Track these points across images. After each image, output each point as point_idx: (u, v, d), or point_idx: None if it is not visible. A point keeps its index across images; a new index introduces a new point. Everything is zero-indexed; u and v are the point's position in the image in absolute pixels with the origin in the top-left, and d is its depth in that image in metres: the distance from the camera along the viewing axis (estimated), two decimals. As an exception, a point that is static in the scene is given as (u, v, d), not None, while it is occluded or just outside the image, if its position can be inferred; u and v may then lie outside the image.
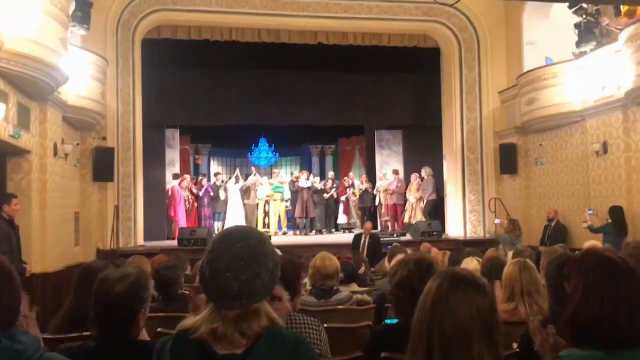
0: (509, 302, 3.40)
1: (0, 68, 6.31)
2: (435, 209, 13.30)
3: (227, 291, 1.51)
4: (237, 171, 15.41)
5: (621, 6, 8.88)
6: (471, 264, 5.07)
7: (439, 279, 1.62)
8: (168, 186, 13.59)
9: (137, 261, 4.74)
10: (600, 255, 1.79)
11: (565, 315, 1.72)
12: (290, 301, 2.61)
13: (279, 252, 5.07)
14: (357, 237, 10.57)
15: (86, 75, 9.41)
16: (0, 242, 6.02)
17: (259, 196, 14.55)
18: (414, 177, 14.23)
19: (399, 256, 5.27)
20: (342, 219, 15.80)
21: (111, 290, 2.39)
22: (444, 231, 12.72)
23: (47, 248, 7.98)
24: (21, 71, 6.54)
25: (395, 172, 14.74)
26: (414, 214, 13.93)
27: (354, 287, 4.98)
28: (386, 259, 6.28)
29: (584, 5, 9.39)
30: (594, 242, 6.47)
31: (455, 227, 12.79)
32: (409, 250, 6.35)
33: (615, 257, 1.76)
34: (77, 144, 9.93)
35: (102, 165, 10.48)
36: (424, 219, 13.23)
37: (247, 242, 1.58)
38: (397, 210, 14.48)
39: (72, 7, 7.81)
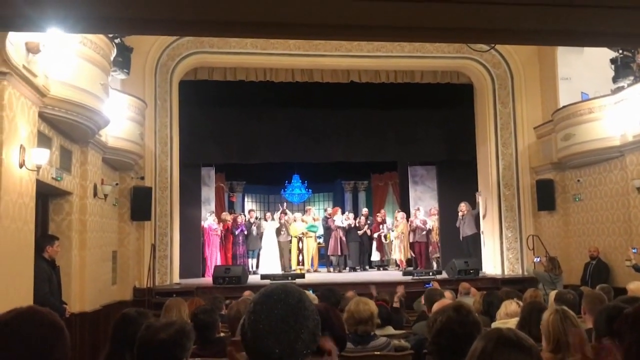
0: (556, 354, 3.30)
1: (46, 114, 6.55)
2: (475, 246, 13.04)
3: (268, 353, 1.52)
4: (280, 211, 15.43)
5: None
6: (511, 307, 4.95)
7: (484, 341, 1.59)
8: (203, 223, 13.75)
9: (174, 304, 4.75)
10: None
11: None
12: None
13: (316, 300, 5.05)
14: None
15: (125, 117, 9.69)
16: (41, 283, 6.15)
17: (292, 233, 14.58)
18: (400, 215, 14.83)
19: (436, 299, 5.20)
20: (375, 256, 15.65)
21: (155, 337, 2.43)
22: (481, 269, 12.49)
23: (86, 288, 8.12)
24: (65, 116, 6.78)
25: (417, 209, 14.83)
26: (396, 251, 14.54)
27: (390, 330, 4.92)
28: (422, 298, 6.19)
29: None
30: (638, 283, 6.27)
31: (492, 264, 12.55)
32: (446, 293, 6.27)
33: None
34: (116, 184, 10.16)
35: (140, 205, 10.67)
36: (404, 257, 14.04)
37: (288, 302, 1.59)
38: (421, 247, 14.42)
39: (114, 53, 8.10)
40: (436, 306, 4.02)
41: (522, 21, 3.00)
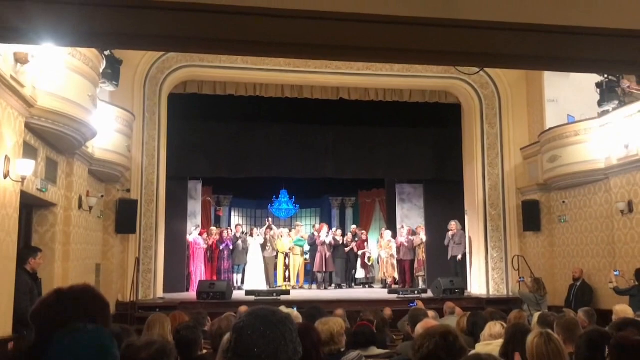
0: (536, 376, 3.30)
1: (32, 125, 6.51)
2: (462, 265, 13.02)
3: None
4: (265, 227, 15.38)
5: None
6: (495, 328, 4.94)
7: None
8: (188, 237, 13.66)
9: (157, 320, 4.69)
10: (634, 342, 1.75)
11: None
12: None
13: (299, 319, 5.01)
14: None
15: (113, 129, 9.65)
16: (22, 296, 6.05)
17: (279, 249, 14.54)
18: (386, 233, 15.03)
19: (421, 320, 5.19)
20: (360, 273, 15.64)
21: (136, 357, 2.40)
22: (467, 288, 12.49)
23: (68, 301, 7.99)
24: (52, 127, 6.74)
25: (401, 227, 14.91)
26: (386, 270, 14.67)
27: (374, 350, 4.88)
28: (407, 319, 6.17)
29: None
30: (624, 306, 6.32)
31: (477, 284, 12.57)
32: (430, 313, 6.26)
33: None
34: (102, 196, 10.08)
35: (125, 217, 10.59)
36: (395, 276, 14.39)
37: (272, 320, 1.62)
38: (406, 265, 14.42)
39: (103, 65, 8.08)
40: (420, 327, 4.01)
41: (512, 46, 3.04)
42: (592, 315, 6.45)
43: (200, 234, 14.20)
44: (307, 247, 15.10)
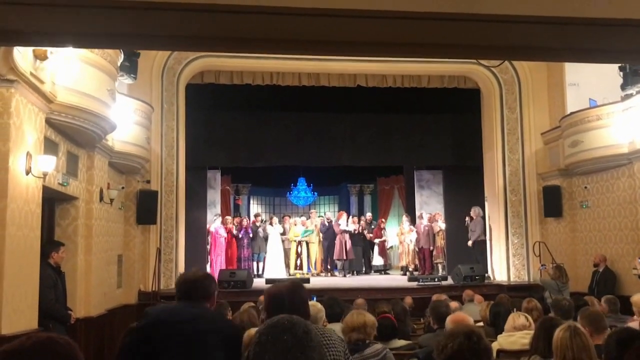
0: (561, 369, 3.28)
1: (52, 120, 6.56)
2: (482, 252, 12.95)
3: None
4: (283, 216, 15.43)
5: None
6: (519, 320, 4.86)
7: None
8: (209, 227, 13.75)
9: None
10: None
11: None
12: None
13: (322, 312, 5.03)
14: None
15: (132, 121, 9.69)
16: (46, 290, 6.14)
17: (289, 236, 14.60)
18: (406, 220, 15.15)
19: (442, 311, 5.17)
20: (378, 260, 15.63)
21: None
22: (487, 275, 12.42)
23: (91, 292, 8.11)
24: (72, 122, 6.79)
25: (420, 216, 14.86)
26: (409, 257, 14.77)
27: (397, 342, 4.87)
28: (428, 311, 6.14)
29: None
30: (640, 295, 6.22)
31: (498, 270, 12.49)
32: (453, 304, 6.23)
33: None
34: (122, 188, 10.17)
35: (146, 208, 10.67)
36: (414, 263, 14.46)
37: (294, 333, 1.57)
38: (425, 253, 14.39)
39: (121, 58, 8.10)
40: (449, 321, 4.03)
41: (535, 39, 2.98)
42: (614, 303, 6.39)
43: (239, 222, 14.37)
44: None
